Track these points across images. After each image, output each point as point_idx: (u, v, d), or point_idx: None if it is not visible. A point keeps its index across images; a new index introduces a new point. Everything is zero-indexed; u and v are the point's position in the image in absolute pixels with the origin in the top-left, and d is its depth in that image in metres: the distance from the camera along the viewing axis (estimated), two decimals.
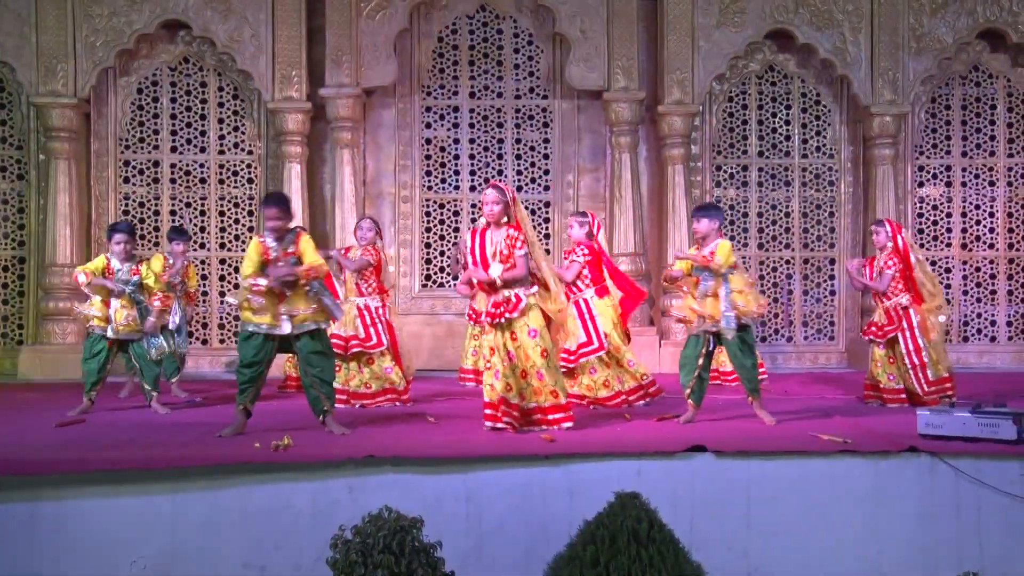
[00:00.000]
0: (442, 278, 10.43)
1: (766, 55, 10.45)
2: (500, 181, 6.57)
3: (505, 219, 5.63)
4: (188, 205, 10.20)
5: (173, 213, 10.16)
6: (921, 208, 10.63)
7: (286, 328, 5.56)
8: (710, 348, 5.97)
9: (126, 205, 10.13)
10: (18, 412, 6.82)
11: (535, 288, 5.65)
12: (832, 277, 10.61)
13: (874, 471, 4.80)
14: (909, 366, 6.71)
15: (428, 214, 10.45)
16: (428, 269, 10.47)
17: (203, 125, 10.21)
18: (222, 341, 10.22)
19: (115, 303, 6.70)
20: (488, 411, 5.56)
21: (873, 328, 6.89)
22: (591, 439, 5.29)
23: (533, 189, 10.46)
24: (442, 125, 10.45)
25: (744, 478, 4.77)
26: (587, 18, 9.94)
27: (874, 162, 10.22)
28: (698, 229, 6.09)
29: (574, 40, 9.95)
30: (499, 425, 5.49)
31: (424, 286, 10.45)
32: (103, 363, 6.70)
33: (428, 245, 10.42)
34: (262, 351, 5.57)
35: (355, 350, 6.98)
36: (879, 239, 6.91)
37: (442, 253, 10.35)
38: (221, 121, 10.23)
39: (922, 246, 10.61)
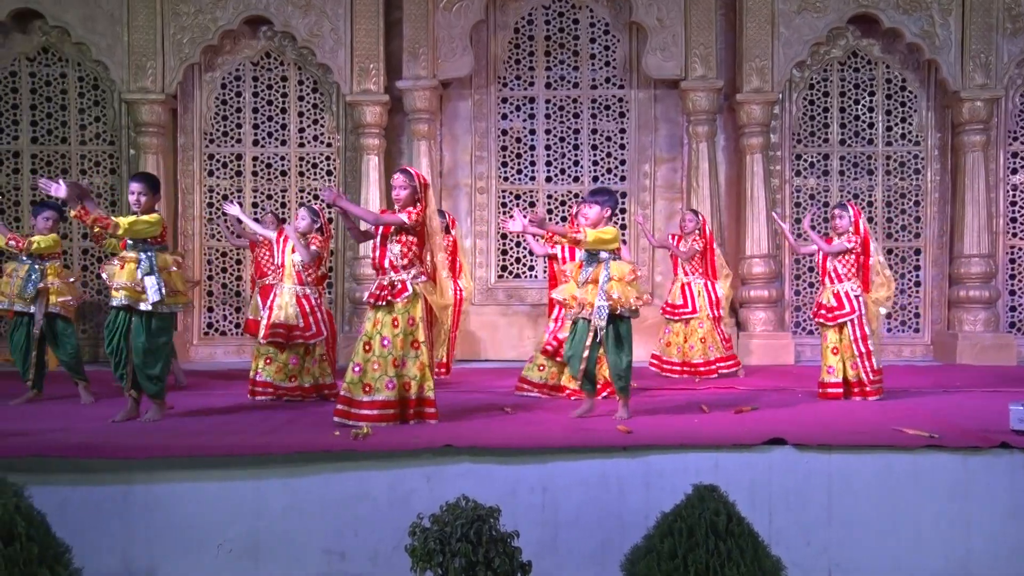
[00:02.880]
0: (518, 269, 10.46)
1: (849, 40, 10.17)
2: (410, 166, 6.50)
3: (415, 204, 5.54)
4: (269, 197, 10.44)
5: (255, 205, 10.42)
6: (1014, 196, 10.23)
7: (114, 301, 5.65)
8: (596, 338, 5.72)
9: (210, 197, 10.42)
10: (109, 398, 7.08)
11: (423, 278, 5.56)
12: (917, 268, 10.30)
13: (962, 467, 4.65)
14: (856, 353, 6.56)
15: (504, 205, 10.48)
16: (504, 260, 10.51)
17: (284, 118, 10.43)
18: None
19: (16, 275, 6.84)
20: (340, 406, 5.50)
21: (823, 311, 6.67)
22: (668, 431, 5.25)
23: (609, 179, 10.40)
24: (518, 116, 10.46)
25: (825, 472, 4.67)
26: (664, 6, 9.82)
27: (963, 149, 9.87)
28: (587, 216, 5.78)
29: (651, 29, 9.84)
30: (341, 420, 5.39)
31: (500, 277, 10.49)
32: (24, 349, 6.86)
33: (504, 236, 10.45)
34: (114, 323, 5.69)
35: (297, 341, 6.78)
36: (842, 223, 6.69)
37: (518, 244, 10.37)
38: (301, 114, 10.43)
39: (1014, 235, 10.23)
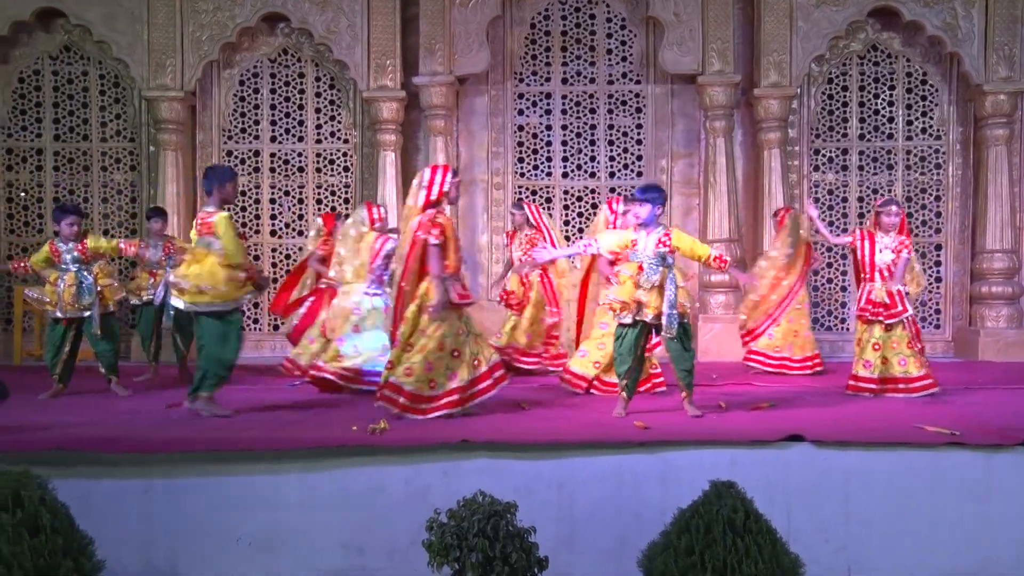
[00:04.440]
0: None
1: (868, 34, 10.09)
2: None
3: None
4: (287, 193, 10.48)
5: (272, 201, 10.47)
6: None
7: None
8: (644, 340, 5.79)
9: None
10: (131, 394, 7.15)
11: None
12: (938, 263, 10.21)
13: (984, 465, 4.62)
14: (917, 350, 6.56)
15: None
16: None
17: (301, 115, 10.46)
18: None
19: (62, 284, 6.91)
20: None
21: (880, 308, 6.55)
22: (685, 427, 5.24)
23: (626, 175, 10.38)
24: (534, 111, 10.45)
25: (843, 469, 4.65)
26: (681, 1, 9.77)
27: (986, 143, 9.77)
28: (639, 215, 5.68)
29: (668, 23, 9.80)
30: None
31: None
32: (58, 347, 6.96)
33: None
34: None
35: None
36: (892, 220, 6.66)
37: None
38: (318, 111, 10.47)
39: None
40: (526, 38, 10.40)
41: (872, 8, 9.72)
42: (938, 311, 10.24)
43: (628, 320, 5.67)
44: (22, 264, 7.32)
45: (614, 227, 6.76)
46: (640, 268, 5.63)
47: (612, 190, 10.37)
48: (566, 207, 10.42)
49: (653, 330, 5.77)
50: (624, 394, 5.82)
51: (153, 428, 5.37)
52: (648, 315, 5.61)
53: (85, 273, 6.94)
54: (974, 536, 4.56)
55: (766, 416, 5.72)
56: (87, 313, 6.92)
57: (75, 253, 6.94)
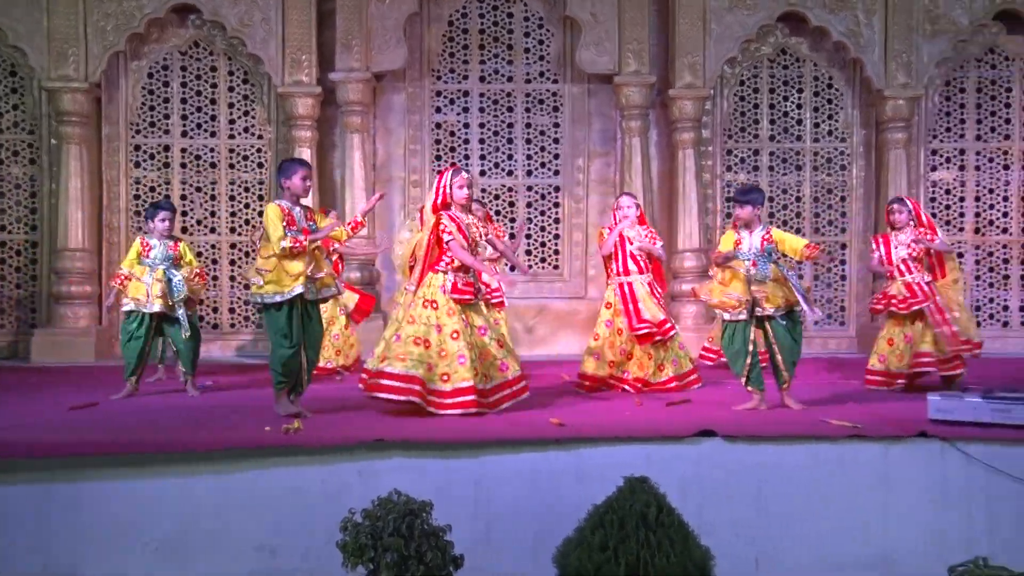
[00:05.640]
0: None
1: (778, 38, 10.36)
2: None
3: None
4: (198, 190, 10.21)
5: (183, 198, 10.18)
6: (934, 192, 10.55)
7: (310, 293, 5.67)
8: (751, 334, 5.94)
9: (137, 190, 10.15)
10: (31, 395, 6.87)
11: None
12: (843, 262, 10.56)
13: (884, 456, 4.79)
14: (945, 335, 6.70)
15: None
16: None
17: (213, 110, 10.20)
18: (232, 325, 10.25)
19: (148, 279, 6.82)
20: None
21: (894, 300, 6.81)
22: (601, 424, 5.30)
23: (543, 173, 10.43)
24: (452, 109, 10.42)
25: (753, 463, 4.77)
26: (598, 1, 9.87)
27: (887, 146, 10.14)
28: (740, 217, 5.97)
29: (585, 23, 9.90)
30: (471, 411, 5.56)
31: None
32: (143, 345, 6.83)
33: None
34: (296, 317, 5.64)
35: None
36: (901, 217, 6.89)
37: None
38: (231, 105, 10.22)
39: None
40: (444, 36, 10.36)
41: (781, 13, 9.99)
42: (843, 308, 10.59)
43: (743, 316, 5.81)
44: (121, 278, 6.98)
45: (615, 223, 7.18)
46: (755, 264, 5.84)
47: (529, 188, 10.43)
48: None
49: (766, 322, 5.90)
50: (753, 387, 5.91)
51: (54, 431, 5.16)
52: (769, 308, 5.79)
53: (174, 270, 6.86)
54: (875, 525, 4.73)
55: (680, 412, 5.83)
56: (179, 311, 6.83)
57: (168, 252, 6.87)
